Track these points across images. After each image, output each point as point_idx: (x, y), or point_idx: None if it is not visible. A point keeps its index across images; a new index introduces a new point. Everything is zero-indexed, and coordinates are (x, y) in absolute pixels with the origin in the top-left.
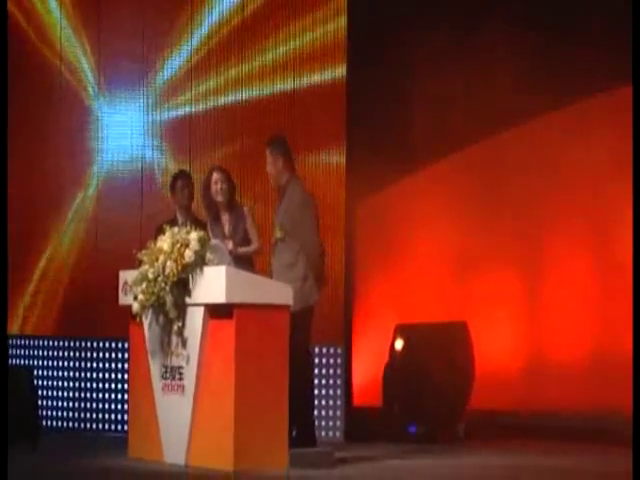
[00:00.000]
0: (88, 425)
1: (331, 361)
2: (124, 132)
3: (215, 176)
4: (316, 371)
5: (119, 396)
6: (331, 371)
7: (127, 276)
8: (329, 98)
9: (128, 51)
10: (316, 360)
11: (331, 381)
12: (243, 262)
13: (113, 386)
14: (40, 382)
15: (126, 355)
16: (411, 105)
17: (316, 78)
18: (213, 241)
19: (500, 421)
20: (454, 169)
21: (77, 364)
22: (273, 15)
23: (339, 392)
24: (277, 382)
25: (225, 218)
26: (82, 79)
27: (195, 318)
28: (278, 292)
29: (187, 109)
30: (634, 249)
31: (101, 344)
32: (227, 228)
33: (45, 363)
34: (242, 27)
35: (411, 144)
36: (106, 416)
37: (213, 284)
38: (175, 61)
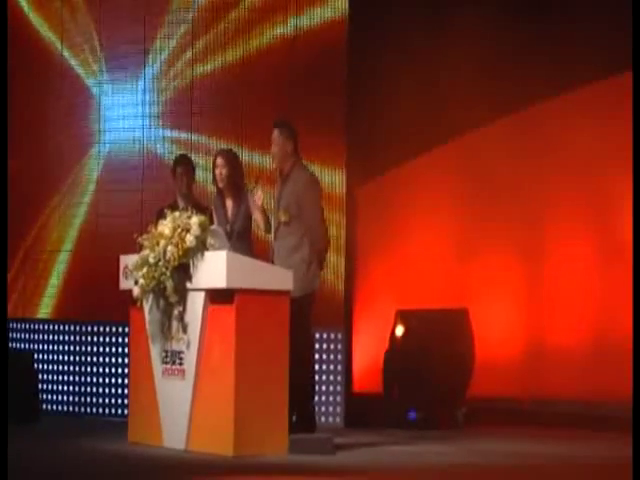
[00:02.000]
0: (88, 409)
1: (331, 347)
2: (125, 114)
3: (217, 160)
4: (316, 357)
5: (119, 380)
6: (331, 357)
7: (128, 260)
8: (330, 65)
9: (129, 32)
10: (316, 345)
11: (331, 367)
12: (242, 247)
13: (113, 370)
14: (40, 366)
15: (126, 339)
16: (409, 90)
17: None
18: (212, 227)
19: (500, 407)
20: (454, 154)
21: (77, 348)
22: None
23: (339, 378)
24: (277, 368)
25: (229, 203)
26: (83, 60)
27: (196, 303)
28: (279, 277)
29: (188, 75)
30: (634, 234)
31: (101, 328)
32: (230, 213)
33: (45, 347)
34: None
35: (410, 128)
36: (106, 400)
37: (214, 269)
38: (174, 38)
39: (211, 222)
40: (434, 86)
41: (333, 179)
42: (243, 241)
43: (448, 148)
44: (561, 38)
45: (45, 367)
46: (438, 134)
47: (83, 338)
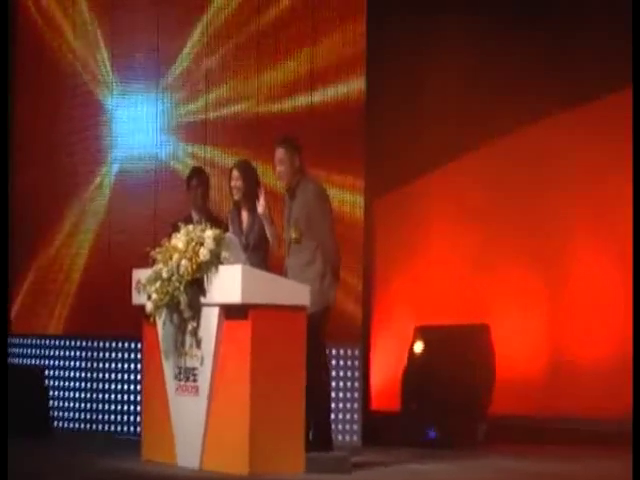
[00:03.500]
0: (100, 427)
1: (348, 363)
2: (138, 127)
3: (232, 173)
4: (333, 373)
5: (132, 397)
6: (348, 373)
7: (141, 275)
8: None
9: (142, 43)
10: (333, 362)
11: (348, 384)
12: (257, 260)
13: (126, 387)
14: (52, 382)
15: (139, 356)
16: (428, 103)
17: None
18: (228, 235)
19: (522, 425)
20: (472, 167)
21: (89, 364)
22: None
23: (356, 395)
24: (294, 385)
25: (244, 215)
26: (94, 73)
27: (210, 318)
28: (295, 292)
29: (203, 104)
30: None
31: (114, 344)
32: (244, 227)
33: (57, 363)
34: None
35: (428, 142)
36: (119, 418)
37: (228, 284)
38: (189, 56)
39: (226, 231)
40: (453, 96)
41: (351, 190)
42: (258, 254)
43: (467, 159)
44: (574, 52)
45: (57, 383)
46: (457, 145)
47: (95, 354)
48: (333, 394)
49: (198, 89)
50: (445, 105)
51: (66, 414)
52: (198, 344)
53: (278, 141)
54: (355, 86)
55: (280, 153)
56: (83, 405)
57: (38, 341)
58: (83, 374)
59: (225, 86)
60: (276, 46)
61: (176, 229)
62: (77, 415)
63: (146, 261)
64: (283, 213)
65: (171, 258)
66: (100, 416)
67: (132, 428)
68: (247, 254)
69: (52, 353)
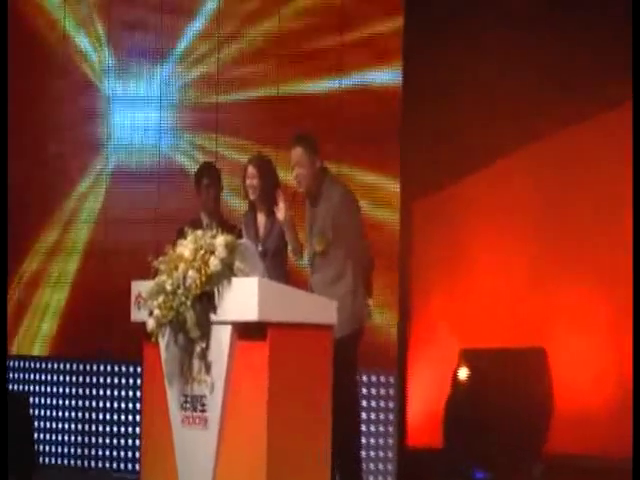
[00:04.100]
0: (93, 463)
1: (382, 392)
2: (138, 116)
3: (248, 170)
4: (364, 403)
5: (130, 429)
6: (382, 404)
7: (141, 287)
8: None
9: (143, 16)
10: (364, 391)
11: (382, 416)
12: (276, 271)
13: (123, 418)
14: (37, 411)
15: (139, 381)
16: (468, 98)
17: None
18: (243, 241)
19: (583, 466)
20: (525, 168)
21: (80, 391)
22: None
23: (391, 429)
24: (318, 417)
25: (261, 219)
26: (89, 55)
27: (221, 339)
28: (321, 308)
29: (213, 88)
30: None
31: (109, 368)
32: (261, 232)
33: (43, 389)
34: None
35: (473, 139)
36: (114, 453)
37: (243, 298)
38: (198, 32)
39: (239, 237)
40: (500, 89)
41: (384, 193)
42: (277, 263)
43: (517, 159)
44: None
45: (43, 413)
46: (506, 143)
47: (87, 379)
48: (364, 428)
49: (208, 72)
50: (491, 98)
51: (53, 448)
52: (207, 368)
53: (294, 140)
54: (390, 74)
55: (298, 154)
56: (73, 438)
57: (21, 363)
58: (73, 402)
59: (240, 67)
60: (300, 21)
61: (182, 235)
62: (66, 449)
63: (147, 272)
64: (304, 222)
65: (176, 268)
66: (93, 451)
67: (130, 465)
68: (264, 264)
69: (37, 377)
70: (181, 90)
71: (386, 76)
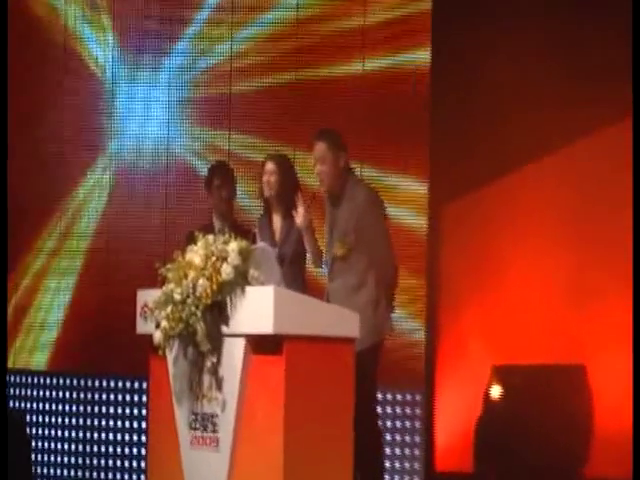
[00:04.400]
0: None
1: (407, 411)
2: (145, 110)
3: (266, 166)
4: (388, 424)
5: (135, 451)
6: (407, 425)
7: (147, 297)
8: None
9: (150, 8)
10: (388, 410)
11: (407, 438)
12: (294, 279)
13: (127, 438)
14: (34, 431)
15: (144, 398)
16: (504, 87)
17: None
18: (259, 244)
19: None
20: (562, 166)
21: (81, 409)
22: None
23: (417, 452)
24: (338, 438)
25: (277, 222)
26: (92, 45)
27: (234, 353)
28: (342, 320)
29: (226, 77)
30: None
31: (112, 384)
32: (277, 236)
33: (41, 407)
34: None
35: (507, 135)
36: (118, 476)
37: (257, 309)
38: (210, 16)
39: (254, 242)
40: (535, 87)
41: (412, 194)
42: (295, 271)
43: (556, 158)
44: None
45: (41, 432)
46: (542, 141)
47: (89, 396)
48: (388, 451)
49: (221, 60)
50: (532, 86)
51: (52, 470)
52: (219, 385)
53: (317, 135)
54: (418, 56)
55: (321, 149)
56: (74, 460)
57: (18, 378)
58: (74, 420)
59: (255, 54)
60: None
61: (192, 240)
62: (66, 472)
63: (154, 280)
64: (324, 223)
65: (186, 276)
66: (95, 473)
67: None
68: (282, 271)
69: (35, 394)
70: (191, 81)
71: (413, 57)
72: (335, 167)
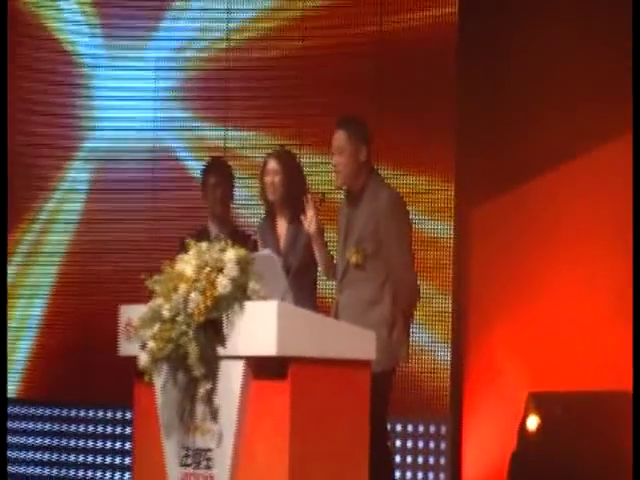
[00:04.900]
0: None
1: (431, 446)
2: (130, 98)
3: (268, 165)
4: (409, 460)
5: None
6: (431, 460)
7: (131, 313)
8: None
9: None
10: (409, 444)
11: (430, 475)
12: (301, 292)
13: (109, 476)
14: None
15: (128, 430)
16: (538, 82)
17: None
18: (262, 251)
19: None
20: (610, 163)
21: (57, 442)
22: None
23: None
24: (351, 473)
25: (282, 227)
26: (69, 24)
27: (231, 378)
28: (356, 341)
29: (220, 60)
30: None
31: (92, 414)
32: (282, 244)
33: (13, 440)
34: None
35: (543, 131)
36: None
37: (259, 327)
38: None
39: (254, 250)
40: (569, 80)
41: (436, 197)
42: (302, 283)
43: (603, 152)
44: None
45: (13, 468)
46: (581, 138)
47: (65, 427)
48: None
49: (217, 35)
50: (569, 70)
51: None
52: (214, 415)
53: (338, 122)
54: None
55: (340, 138)
56: None
57: None
58: (48, 455)
59: (254, 26)
60: None
61: (183, 248)
62: None
63: (140, 294)
64: (337, 225)
65: (176, 290)
66: None
67: None
68: (290, 281)
69: (6, 425)
70: (182, 64)
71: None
72: (354, 160)
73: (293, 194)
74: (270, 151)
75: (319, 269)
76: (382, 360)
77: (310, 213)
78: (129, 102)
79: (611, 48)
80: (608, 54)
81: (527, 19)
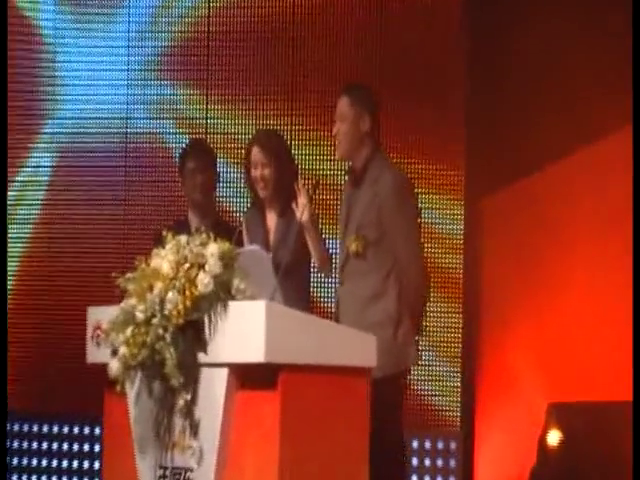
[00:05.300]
0: None
1: (439, 464)
2: (98, 72)
3: (255, 154)
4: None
5: None
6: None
7: (101, 315)
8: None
9: None
10: (414, 461)
11: None
12: (293, 292)
13: None
14: None
15: (97, 448)
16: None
17: None
18: (249, 247)
19: None
20: (618, 155)
21: (15, 461)
22: None
23: None
24: None
25: (272, 218)
26: None
27: (214, 387)
28: (354, 345)
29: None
30: None
31: (55, 429)
32: (272, 238)
33: None
34: None
35: (561, 116)
36: None
37: (245, 331)
38: None
39: (239, 245)
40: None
41: (444, 182)
42: (295, 281)
43: (614, 145)
44: None
45: None
46: (605, 123)
47: (25, 445)
48: None
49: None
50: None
51: None
52: (194, 430)
53: (343, 88)
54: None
55: (342, 104)
56: None
57: None
58: (8, 477)
59: None
60: None
61: (160, 241)
62: None
63: (110, 293)
64: (340, 209)
65: (151, 289)
66: None
67: None
68: (279, 278)
69: None
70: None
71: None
72: (355, 128)
73: (285, 185)
74: (253, 136)
75: (314, 264)
76: (386, 364)
77: (302, 201)
78: (98, 80)
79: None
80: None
81: (530, 8)
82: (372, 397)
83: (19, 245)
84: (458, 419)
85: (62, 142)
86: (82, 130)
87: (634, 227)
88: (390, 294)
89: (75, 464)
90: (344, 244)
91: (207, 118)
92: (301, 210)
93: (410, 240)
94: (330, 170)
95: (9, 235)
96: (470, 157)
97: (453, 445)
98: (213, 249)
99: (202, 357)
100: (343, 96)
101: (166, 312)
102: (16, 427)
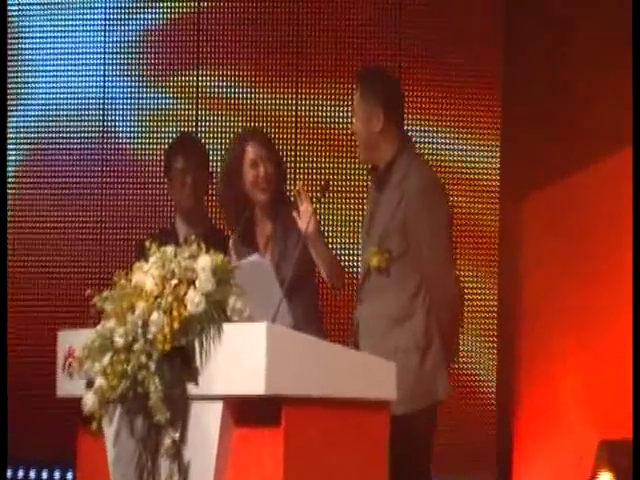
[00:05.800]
0: None
1: None
2: (71, 60)
3: (251, 151)
4: None
5: None
6: None
7: (73, 340)
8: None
9: None
10: None
11: None
12: (297, 312)
13: None
14: None
15: None
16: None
17: None
18: (251, 258)
19: None
20: None
21: None
22: None
23: None
24: None
25: (267, 230)
26: None
27: (206, 424)
28: (369, 375)
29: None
30: None
31: (21, 474)
32: (271, 250)
33: None
34: None
35: (602, 112)
36: None
37: (242, 358)
38: None
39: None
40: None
41: (476, 185)
42: (299, 300)
43: None
44: None
45: None
46: None
47: None
48: None
49: None
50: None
51: None
52: (184, 473)
53: (359, 73)
54: None
55: (355, 99)
56: None
57: None
58: None
59: None
60: None
61: (142, 253)
62: None
63: (84, 314)
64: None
65: (132, 310)
66: None
67: None
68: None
69: None
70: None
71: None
72: (366, 129)
73: (281, 187)
74: (241, 133)
75: (324, 276)
76: (412, 397)
77: (307, 209)
78: (70, 67)
79: None
80: None
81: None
82: (394, 436)
83: None
84: (494, 457)
85: (30, 138)
86: (52, 124)
87: None
88: (418, 315)
89: None
90: (364, 257)
91: (198, 109)
92: (307, 220)
93: (440, 250)
94: (343, 169)
95: None
96: (505, 148)
97: None
98: (204, 262)
99: (192, 389)
100: (357, 86)
101: (150, 336)
102: None
